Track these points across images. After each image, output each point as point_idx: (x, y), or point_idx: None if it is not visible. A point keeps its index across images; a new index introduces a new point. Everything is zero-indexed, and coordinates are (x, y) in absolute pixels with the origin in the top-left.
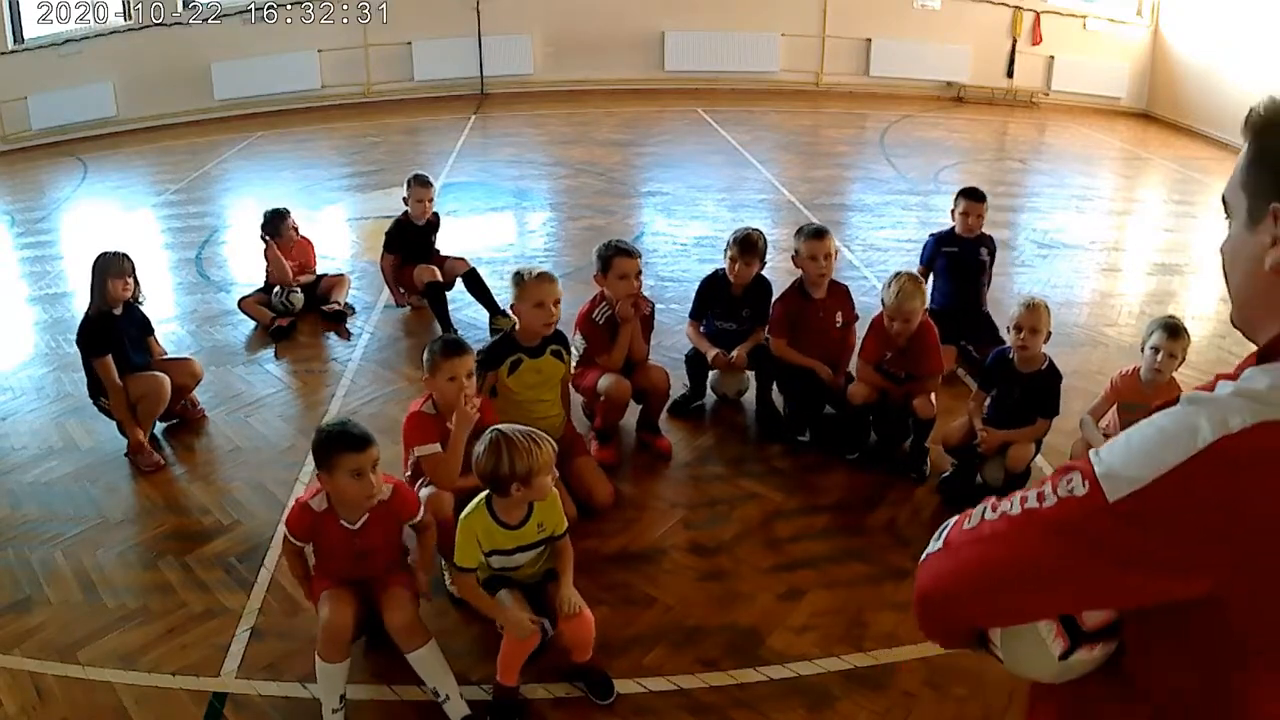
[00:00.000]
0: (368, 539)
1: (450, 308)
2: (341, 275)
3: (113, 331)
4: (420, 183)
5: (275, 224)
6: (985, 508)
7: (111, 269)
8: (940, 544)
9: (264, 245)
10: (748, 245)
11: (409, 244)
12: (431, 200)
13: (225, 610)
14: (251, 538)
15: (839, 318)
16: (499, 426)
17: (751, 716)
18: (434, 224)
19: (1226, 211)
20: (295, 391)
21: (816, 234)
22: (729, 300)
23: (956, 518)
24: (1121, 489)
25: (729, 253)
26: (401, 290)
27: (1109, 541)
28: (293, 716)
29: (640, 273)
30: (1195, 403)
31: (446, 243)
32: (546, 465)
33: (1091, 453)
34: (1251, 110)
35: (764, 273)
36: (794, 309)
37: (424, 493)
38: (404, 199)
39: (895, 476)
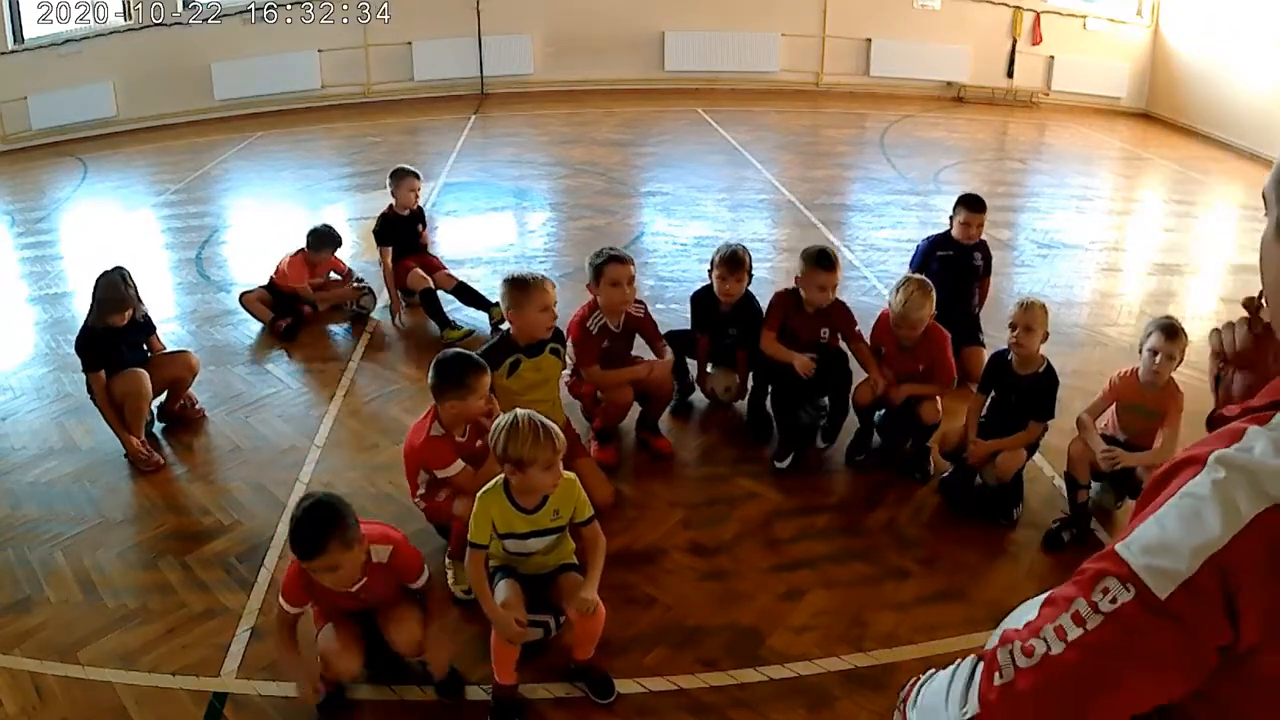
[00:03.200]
0: (368, 596)
1: (447, 308)
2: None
3: (111, 345)
4: (408, 174)
5: (318, 242)
6: (1008, 655)
7: (109, 306)
8: (969, 709)
9: (296, 251)
10: (734, 262)
11: (398, 235)
12: (418, 191)
13: (225, 610)
14: (251, 538)
15: (824, 334)
16: (519, 409)
17: (751, 716)
18: (418, 214)
19: (1266, 206)
20: (295, 391)
21: (826, 265)
22: (718, 318)
23: (970, 670)
24: (1168, 583)
25: (716, 271)
26: (402, 301)
27: (1172, 635)
28: (293, 716)
29: (633, 279)
30: (1230, 468)
31: (445, 245)
32: (542, 460)
33: (1119, 546)
34: None
35: (765, 273)
36: (787, 313)
37: (460, 503)
38: (391, 191)
39: (896, 476)
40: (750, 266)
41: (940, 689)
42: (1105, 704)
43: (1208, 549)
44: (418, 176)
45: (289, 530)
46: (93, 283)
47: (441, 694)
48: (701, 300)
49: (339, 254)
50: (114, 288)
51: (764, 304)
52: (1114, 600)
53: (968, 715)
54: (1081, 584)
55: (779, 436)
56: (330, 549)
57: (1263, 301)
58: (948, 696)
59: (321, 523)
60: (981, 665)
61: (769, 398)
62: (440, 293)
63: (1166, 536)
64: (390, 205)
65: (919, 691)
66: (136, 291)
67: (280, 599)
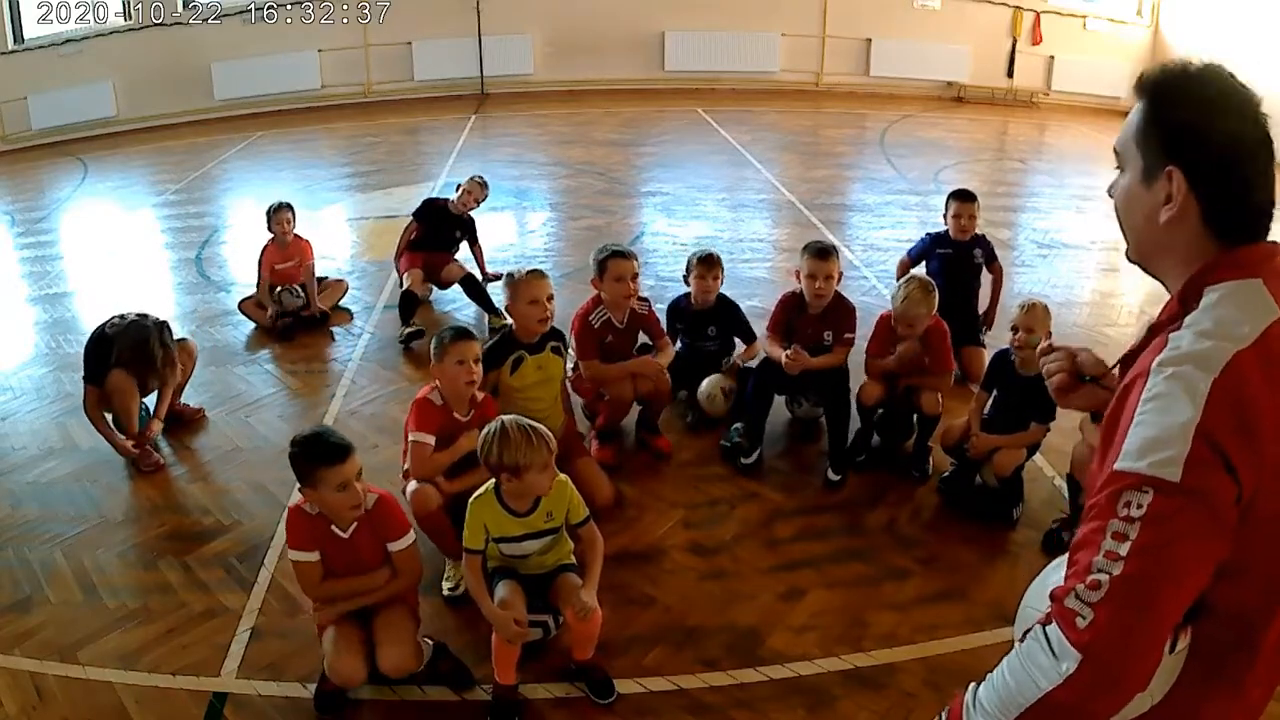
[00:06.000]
0: (359, 549)
1: (448, 308)
2: (339, 281)
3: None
4: (480, 183)
5: (268, 217)
6: (1075, 598)
7: (133, 365)
8: (1069, 661)
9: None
10: (710, 260)
11: (432, 221)
12: (479, 202)
13: (225, 610)
14: (251, 538)
15: (828, 337)
16: (505, 416)
17: (751, 716)
18: (466, 222)
19: (1119, 161)
20: (295, 391)
21: (819, 253)
22: (698, 319)
23: (1041, 639)
24: (1175, 467)
25: (694, 272)
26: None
27: (1198, 507)
28: (293, 716)
29: (637, 275)
30: (1174, 364)
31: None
32: (538, 463)
33: (1117, 465)
34: (1143, 73)
35: (765, 273)
36: (790, 314)
37: (410, 487)
38: (457, 185)
39: (896, 476)
40: (723, 267)
41: (1007, 679)
42: (1174, 592)
43: (1190, 426)
44: (483, 186)
45: (306, 450)
46: (126, 324)
47: (452, 687)
48: (679, 307)
49: (314, 246)
50: (145, 349)
51: (762, 303)
52: (1140, 506)
53: (1069, 671)
54: (1101, 513)
55: (747, 432)
56: (353, 454)
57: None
58: (1028, 674)
59: (340, 437)
60: (1052, 626)
61: (749, 390)
62: (425, 293)
63: (1152, 434)
64: (450, 199)
65: (973, 705)
66: (172, 354)
67: (291, 554)
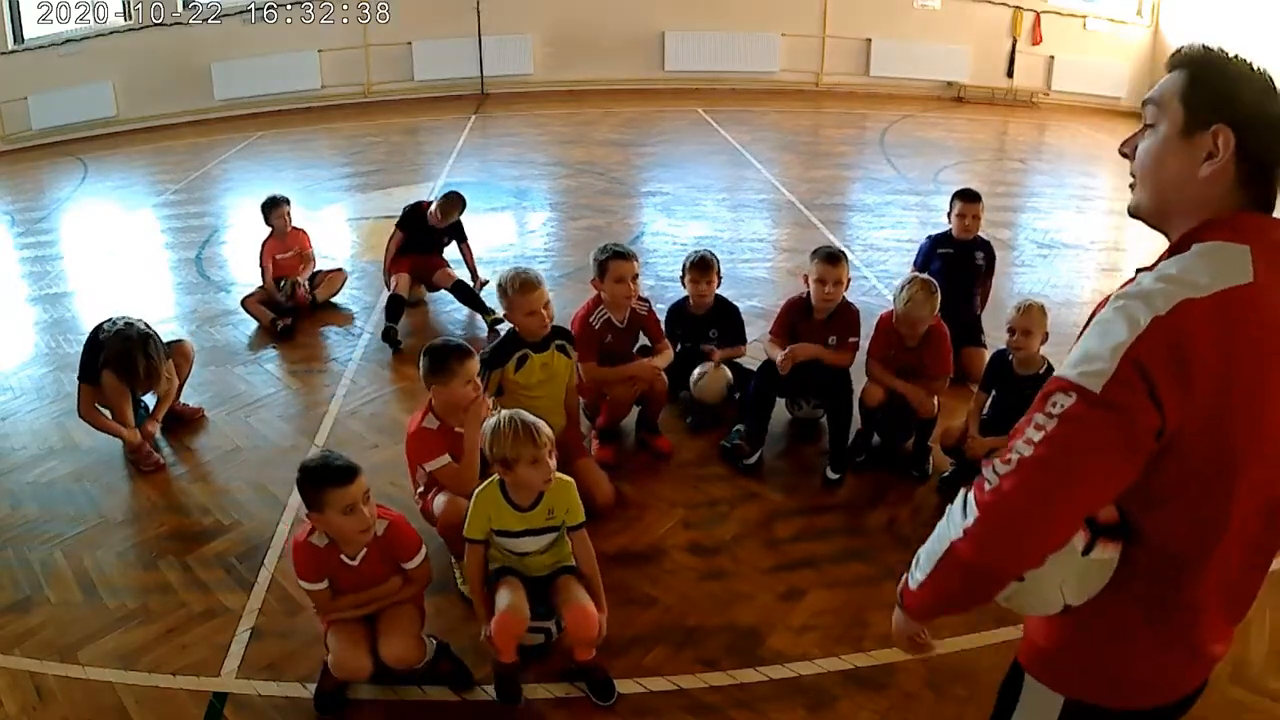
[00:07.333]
0: (370, 575)
1: (447, 309)
2: (337, 271)
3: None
4: (453, 200)
5: (266, 212)
6: (992, 470)
7: (118, 372)
8: (970, 518)
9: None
10: (704, 265)
11: (413, 228)
12: (457, 214)
13: (225, 610)
14: (251, 538)
15: (832, 341)
16: (504, 410)
17: (751, 717)
18: (451, 230)
19: (1151, 114)
20: (295, 391)
21: (829, 258)
22: (698, 323)
23: (962, 496)
24: (1099, 380)
25: (688, 276)
26: (391, 285)
27: (1112, 421)
28: (293, 716)
29: (637, 275)
30: (1126, 297)
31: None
32: (525, 456)
33: (1057, 373)
34: (1182, 48)
35: (765, 273)
36: (795, 318)
37: (439, 500)
38: (434, 198)
39: (896, 476)
40: (719, 270)
41: (935, 534)
42: (1073, 494)
43: (1120, 348)
44: (453, 203)
45: (312, 475)
46: (114, 330)
47: (452, 687)
48: (679, 310)
49: (311, 236)
50: (129, 360)
51: (762, 303)
52: (1061, 406)
53: (969, 524)
54: (1034, 408)
55: (748, 433)
56: (361, 476)
57: None
58: (948, 524)
59: (345, 460)
60: (973, 488)
61: (750, 392)
62: (409, 294)
63: (1088, 349)
64: (432, 211)
65: (915, 561)
66: (155, 365)
67: (300, 584)
